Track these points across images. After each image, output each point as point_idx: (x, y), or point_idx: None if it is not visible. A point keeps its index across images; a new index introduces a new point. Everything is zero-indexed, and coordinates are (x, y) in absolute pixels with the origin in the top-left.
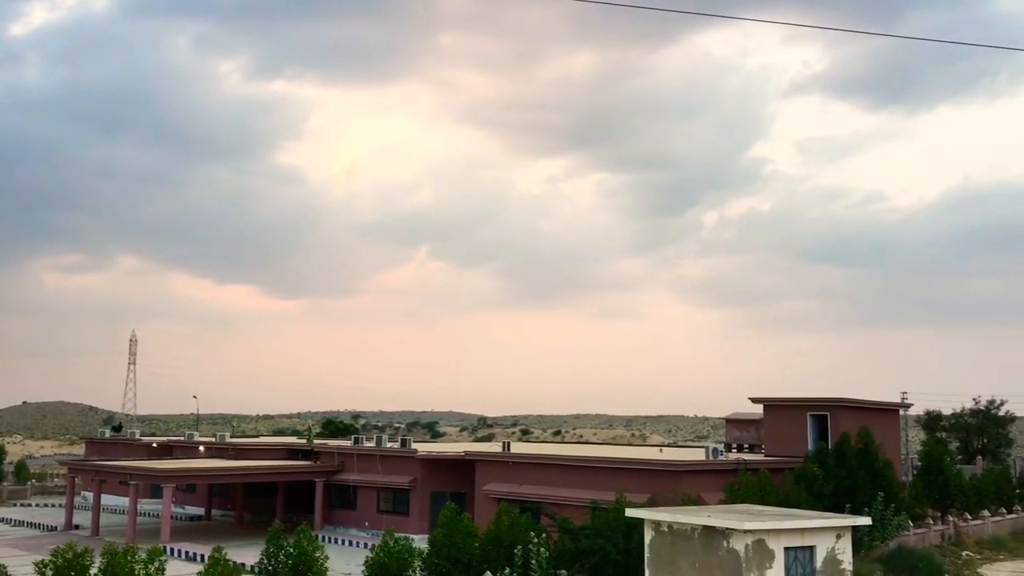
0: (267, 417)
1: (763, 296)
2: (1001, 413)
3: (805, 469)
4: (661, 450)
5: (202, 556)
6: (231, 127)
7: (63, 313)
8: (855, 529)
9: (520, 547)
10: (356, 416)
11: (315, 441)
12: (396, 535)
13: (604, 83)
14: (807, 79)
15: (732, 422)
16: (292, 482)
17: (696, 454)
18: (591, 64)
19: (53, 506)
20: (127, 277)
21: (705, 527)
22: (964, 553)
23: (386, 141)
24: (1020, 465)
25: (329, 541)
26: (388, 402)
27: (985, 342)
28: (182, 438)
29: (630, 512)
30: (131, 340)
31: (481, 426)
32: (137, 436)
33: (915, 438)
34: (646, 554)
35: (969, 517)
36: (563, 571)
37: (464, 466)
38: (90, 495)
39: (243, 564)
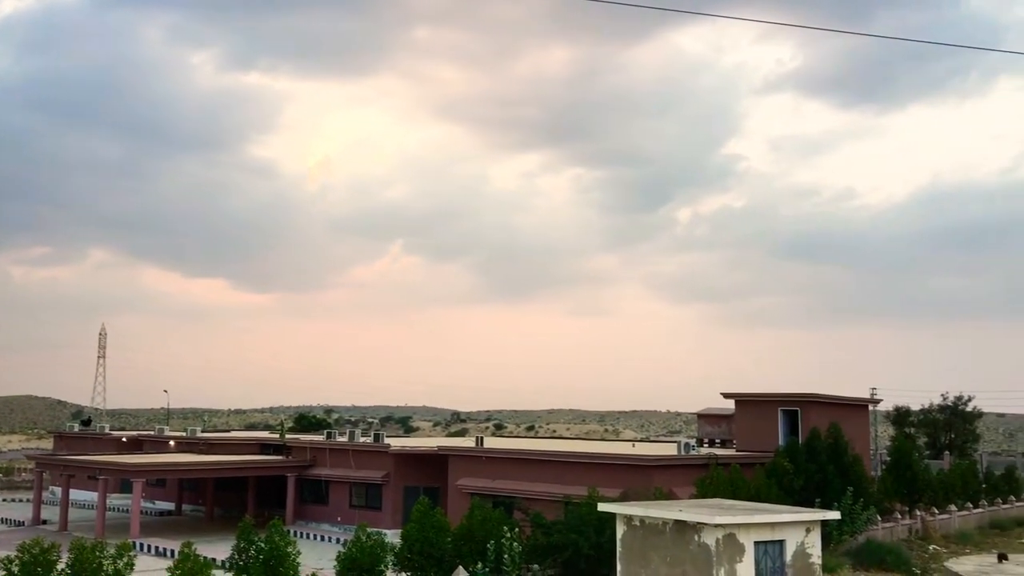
0: (239, 412)
1: (735, 292)
2: (968, 409)
3: (776, 464)
4: (633, 445)
5: (172, 551)
6: (203, 119)
7: (31, 306)
8: (824, 523)
9: (493, 542)
10: (329, 411)
11: (287, 436)
12: (369, 530)
13: (579, 79)
14: (780, 77)
15: (704, 417)
16: (264, 477)
17: (668, 449)
18: (566, 60)
19: (20, 501)
20: (96, 270)
21: (676, 521)
22: (931, 547)
23: (361, 135)
24: (987, 460)
25: (301, 536)
26: (361, 397)
27: (953, 339)
28: (152, 433)
29: (602, 507)
30: (100, 334)
31: (455, 421)
32: (106, 430)
33: (884, 433)
34: (618, 548)
35: (936, 511)
36: (535, 565)
37: (437, 461)
38: (58, 490)
39: (214, 559)
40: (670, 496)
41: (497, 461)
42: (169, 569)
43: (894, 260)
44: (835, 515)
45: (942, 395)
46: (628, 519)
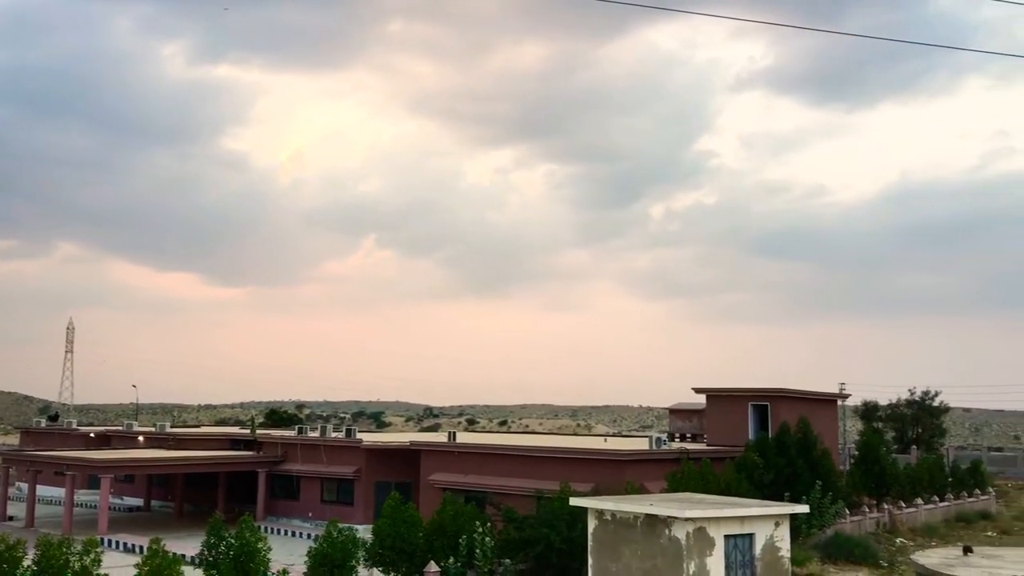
0: (209, 407)
1: (707, 288)
2: (935, 404)
3: (746, 458)
4: (605, 440)
5: (140, 547)
6: (174, 111)
7: None
8: (793, 517)
9: (465, 536)
10: (300, 406)
11: (258, 431)
12: (340, 525)
13: (553, 75)
14: (752, 74)
15: (675, 412)
16: (234, 473)
17: (640, 444)
18: (540, 56)
19: None
20: (64, 264)
21: (647, 515)
22: (898, 540)
23: (333, 128)
24: (953, 454)
25: (272, 532)
26: (333, 392)
27: (921, 335)
28: (121, 428)
29: (574, 501)
30: (68, 328)
31: (427, 416)
32: (74, 426)
33: (852, 428)
34: (589, 542)
35: (903, 505)
36: (507, 560)
37: (410, 456)
38: (25, 486)
39: (183, 556)
40: (641, 490)
41: (469, 456)
42: (137, 565)
43: (863, 257)
44: (804, 509)
45: (909, 390)
46: (599, 513)
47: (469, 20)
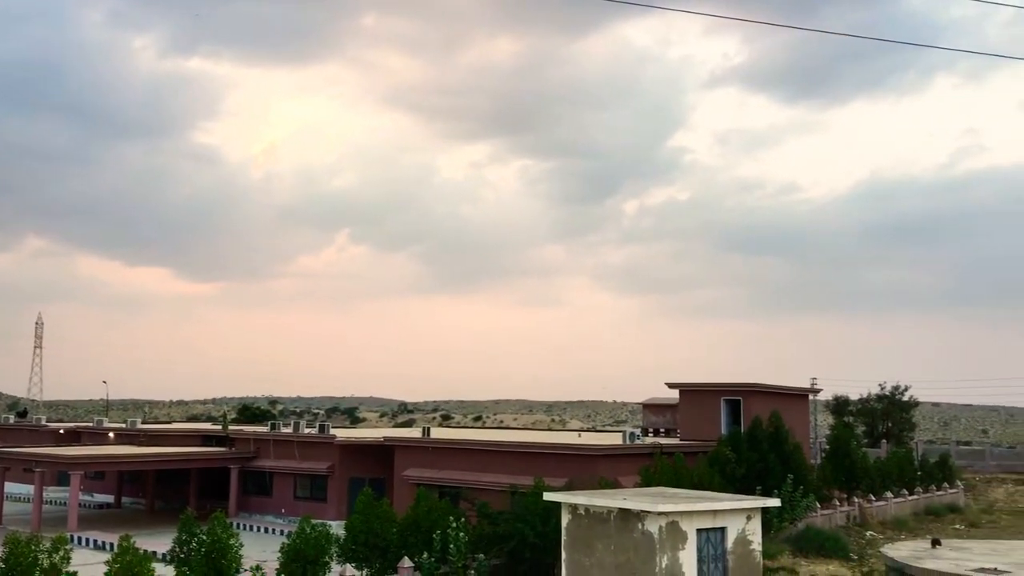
0: (181, 403)
1: (681, 284)
2: (905, 398)
3: (718, 452)
4: (579, 435)
5: (111, 545)
6: (145, 105)
7: None
8: (765, 510)
9: (439, 532)
10: (273, 402)
11: (230, 427)
12: (313, 521)
13: (527, 70)
14: (726, 71)
15: (649, 407)
16: (206, 469)
17: (614, 439)
18: (514, 51)
19: None
20: (33, 258)
21: (621, 510)
22: (868, 533)
23: (307, 122)
24: (922, 448)
25: (244, 528)
26: (307, 388)
27: (891, 330)
28: (91, 424)
29: (548, 496)
30: (37, 323)
31: (401, 412)
32: (43, 422)
33: (824, 422)
34: (563, 537)
35: (873, 498)
36: (481, 555)
37: (384, 452)
38: None
39: (154, 553)
40: (615, 485)
41: (444, 451)
42: (107, 562)
43: (835, 253)
44: (775, 502)
45: (880, 385)
46: (573, 508)
47: (443, 14)
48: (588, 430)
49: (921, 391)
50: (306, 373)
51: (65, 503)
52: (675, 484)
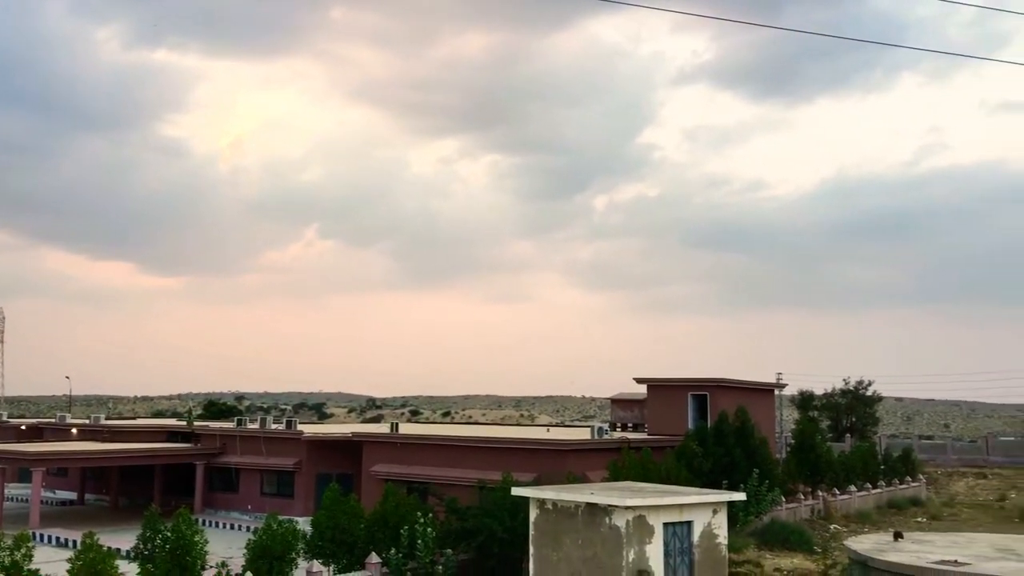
0: (146, 399)
1: (649, 280)
2: (869, 393)
3: (685, 447)
4: (548, 430)
5: (74, 542)
6: (109, 96)
7: None
8: (731, 505)
9: (406, 527)
10: (240, 397)
11: (196, 423)
12: (280, 518)
13: (497, 65)
14: (695, 68)
15: (617, 402)
16: (171, 465)
17: (582, 434)
18: (484, 46)
19: None
20: None
21: (588, 504)
22: (832, 526)
23: (275, 116)
24: (885, 443)
25: (210, 525)
26: (274, 383)
27: (855, 326)
28: (53, 420)
29: (516, 491)
30: None
31: (370, 407)
32: (4, 418)
33: (789, 417)
34: (531, 532)
35: (838, 492)
36: (449, 550)
37: (351, 447)
38: None
39: (118, 550)
40: (583, 480)
41: (412, 447)
42: (71, 560)
43: (800, 249)
44: (741, 496)
45: (844, 380)
46: (541, 503)
47: (412, 8)
48: (557, 425)
49: (885, 386)
50: (273, 368)
51: (27, 500)
52: (643, 479)
